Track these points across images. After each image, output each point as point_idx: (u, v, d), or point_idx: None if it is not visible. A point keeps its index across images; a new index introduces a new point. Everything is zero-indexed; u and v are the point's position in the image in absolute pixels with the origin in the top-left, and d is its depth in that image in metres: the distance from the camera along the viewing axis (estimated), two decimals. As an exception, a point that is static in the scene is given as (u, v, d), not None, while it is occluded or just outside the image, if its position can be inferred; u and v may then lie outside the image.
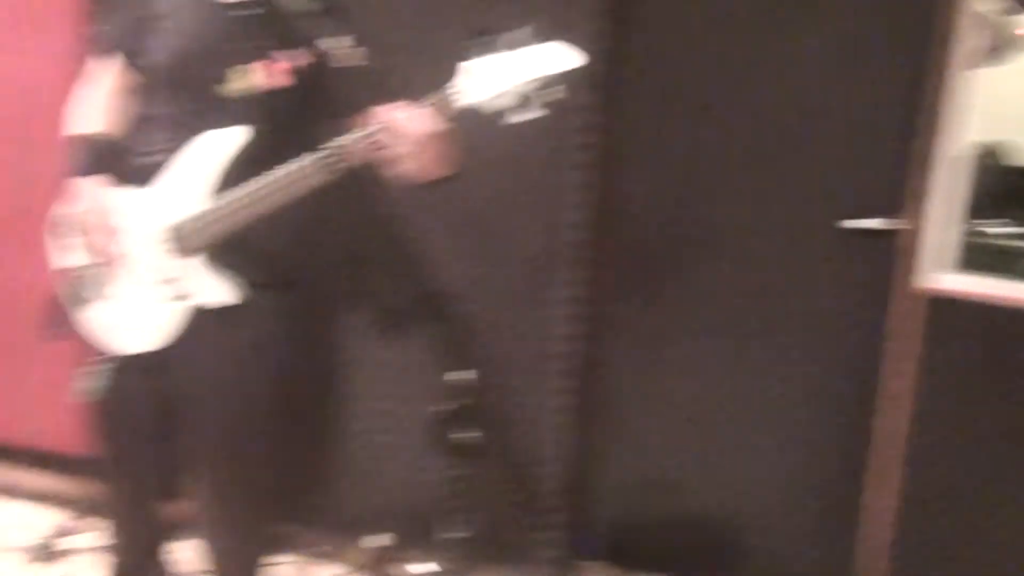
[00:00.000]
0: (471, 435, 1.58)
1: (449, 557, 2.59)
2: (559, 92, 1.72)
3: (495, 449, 1.60)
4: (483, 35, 1.77)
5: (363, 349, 2.80)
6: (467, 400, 1.62)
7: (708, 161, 2.68)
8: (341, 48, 1.58)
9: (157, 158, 2.11)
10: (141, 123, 2.17)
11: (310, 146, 1.94)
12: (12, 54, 2.75)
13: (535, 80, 1.72)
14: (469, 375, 1.63)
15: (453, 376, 1.61)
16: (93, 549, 2.77)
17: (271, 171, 1.97)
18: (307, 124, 2.04)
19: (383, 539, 2.70)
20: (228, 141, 2.02)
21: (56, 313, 2.26)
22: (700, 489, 2.77)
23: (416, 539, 2.81)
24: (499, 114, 1.76)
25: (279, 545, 2.77)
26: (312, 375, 2.79)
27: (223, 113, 2.02)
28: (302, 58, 1.98)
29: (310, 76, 1.99)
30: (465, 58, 1.78)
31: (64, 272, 2.23)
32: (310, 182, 1.95)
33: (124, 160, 2.17)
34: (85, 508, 2.97)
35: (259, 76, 1.96)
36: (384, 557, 2.70)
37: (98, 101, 2.24)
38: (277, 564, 2.53)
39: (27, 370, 2.89)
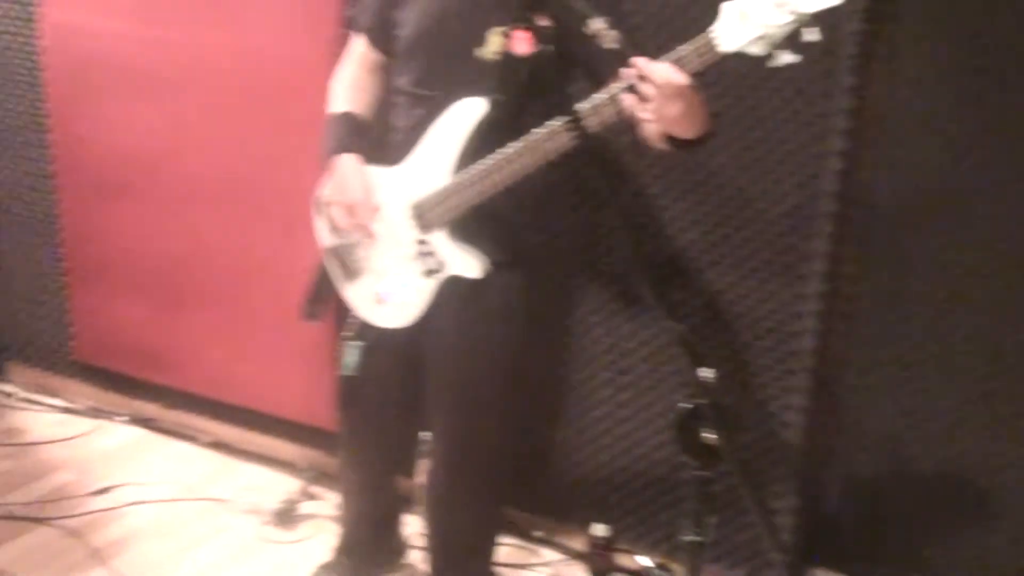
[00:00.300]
0: (713, 435, 1.53)
1: (679, 558, 2.53)
2: (815, 33, 1.62)
3: (731, 448, 1.53)
4: None
5: (600, 332, 2.74)
6: (710, 398, 1.56)
7: (978, 134, 2.38)
8: (594, 28, 1.51)
9: (409, 135, 2.12)
10: (394, 100, 2.19)
11: (556, 114, 1.90)
12: (273, 33, 2.76)
13: (791, 19, 1.62)
14: (711, 372, 1.57)
15: (700, 373, 1.55)
16: (330, 517, 2.88)
17: (516, 140, 1.94)
18: (555, 92, 1.95)
19: (602, 528, 2.69)
20: (475, 111, 2.01)
21: (317, 292, 2.32)
22: (946, 492, 2.56)
23: (635, 532, 2.79)
24: (756, 59, 1.68)
25: (507, 527, 2.78)
26: (546, 355, 2.75)
27: (475, 80, 1.99)
28: (552, 25, 1.88)
29: (560, 43, 1.86)
30: None
31: (325, 250, 2.27)
32: (555, 146, 1.90)
33: (377, 138, 2.20)
34: (323, 478, 3.08)
35: (513, 40, 1.93)
36: (602, 546, 2.68)
37: (350, 80, 2.26)
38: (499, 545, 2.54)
39: (283, 343, 2.98)
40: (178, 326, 3.17)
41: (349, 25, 2.39)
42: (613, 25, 1.57)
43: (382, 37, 2.21)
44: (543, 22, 1.79)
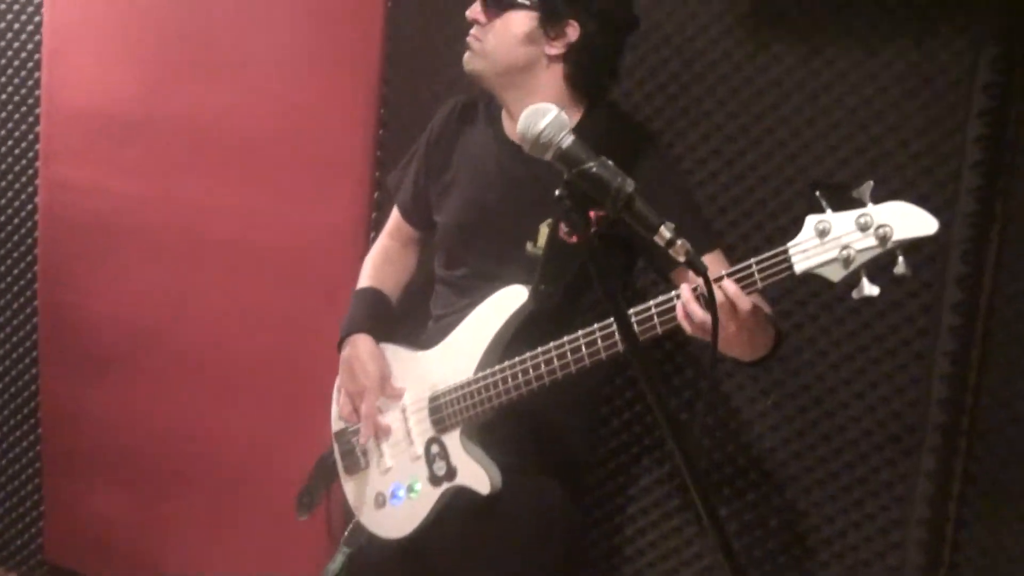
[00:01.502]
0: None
1: None
2: (903, 267, 1.42)
3: None
4: (819, 189, 1.51)
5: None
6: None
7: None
8: (665, 238, 1.29)
9: (442, 321, 2.00)
10: (435, 286, 2.09)
11: (599, 313, 1.73)
12: (293, 197, 2.60)
13: (875, 246, 1.45)
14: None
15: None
16: None
17: (557, 339, 1.76)
18: (605, 287, 1.82)
19: None
20: (515, 300, 1.86)
21: (313, 485, 2.18)
22: None
23: None
24: (834, 285, 1.50)
25: None
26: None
27: (520, 271, 1.87)
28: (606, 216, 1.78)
29: (614, 236, 1.77)
30: (814, 210, 1.50)
31: (333, 435, 2.12)
32: (599, 354, 1.71)
33: (409, 320, 2.11)
34: None
35: (563, 231, 1.79)
36: None
37: (381, 252, 2.21)
38: None
39: (278, 541, 2.68)
40: (162, 520, 2.88)
41: (387, 195, 2.30)
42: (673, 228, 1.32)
43: (416, 214, 2.15)
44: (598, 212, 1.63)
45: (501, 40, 1.86)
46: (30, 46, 2.89)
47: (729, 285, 1.54)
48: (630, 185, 1.26)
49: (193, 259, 2.73)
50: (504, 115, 1.97)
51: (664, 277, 1.92)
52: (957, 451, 2.09)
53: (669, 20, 2.20)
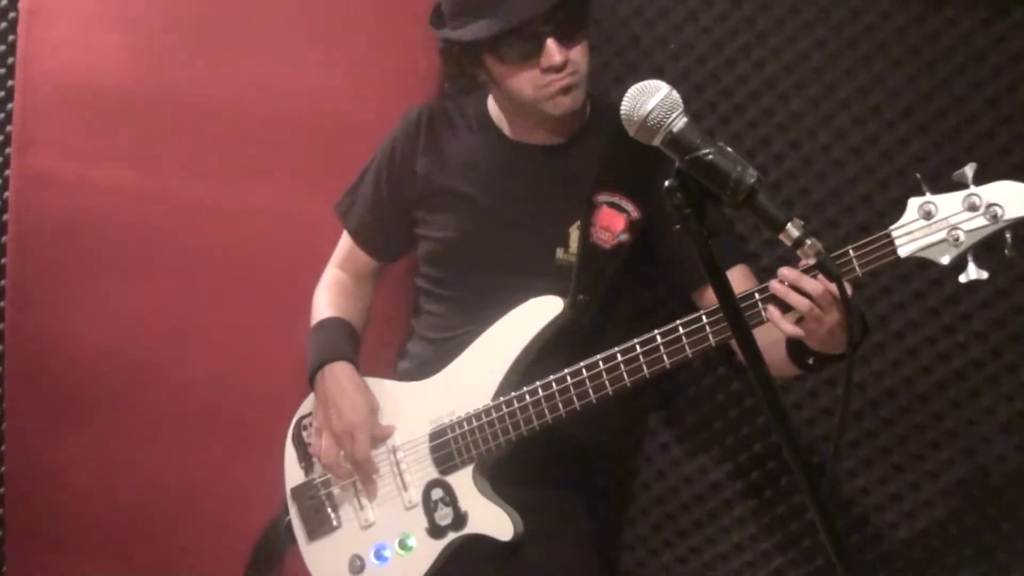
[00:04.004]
0: None
1: None
2: (1011, 248, 1.50)
3: None
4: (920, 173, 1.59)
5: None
6: None
7: None
8: (793, 235, 1.21)
9: (443, 345, 1.95)
10: (424, 305, 2.06)
11: (637, 324, 1.79)
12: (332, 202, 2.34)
13: (988, 224, 1.51)
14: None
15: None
16: None
17: (584, 356, 1.78)
18: (636, 296, 1.97)
19: None
20: (548, 312, 1.84)
21: (263, 552, 2.10)
22: None
23: None
24: (938, 268, 1.56)
25: None
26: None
27: (546, 282, 1.86)
28: (637, 212, 1.85)
29: (648, 236, 1.86)
30: (914, 193, 1.56)
31: (291, 491, 2.05)
32: (641, 372, 1.74)
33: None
34: None
35: (599, 231, 1.85)
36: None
37: (336, 286, 2.16)
38: None
39: None
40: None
41: (341, 218, 2.21)
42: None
43: (378, 238, 2.12)
44: (631, 209, 1.81)
45: (588, 63, 1.86)
46: (3, 3, 2.60)
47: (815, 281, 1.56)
48: (751, 175, 1.19)
49: (197, 272, 2.54)
50: (503, 117, 1.96)
51: (686, 294, 1.91)
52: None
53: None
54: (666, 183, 1.23)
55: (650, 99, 1.21)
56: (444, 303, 2.02)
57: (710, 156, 1.19)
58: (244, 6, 2.44)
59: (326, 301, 2.13)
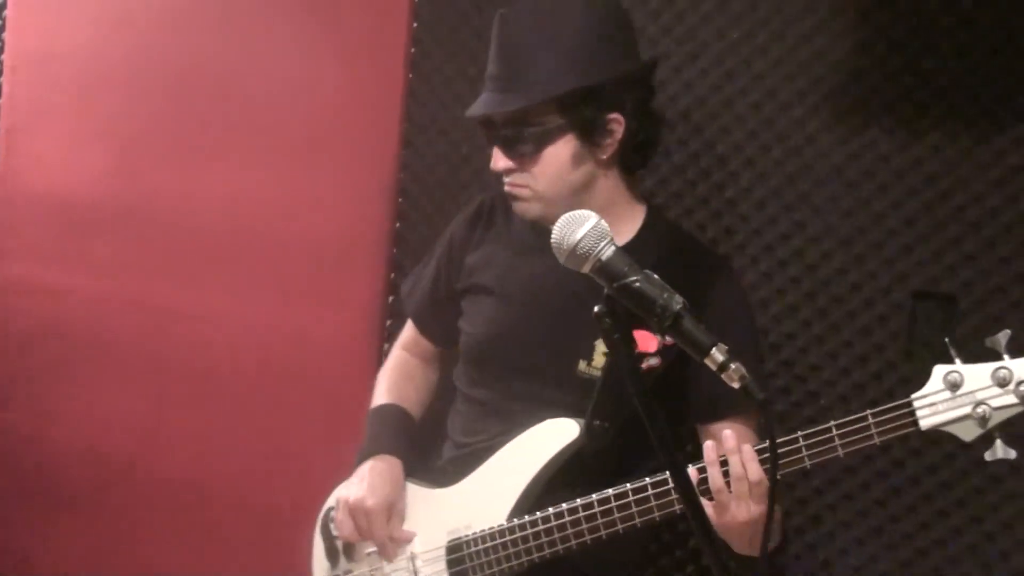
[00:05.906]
0: None
1: None
2: None
3: None
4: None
5: None
6: None
7: None
8: (718, 360, 1.20)
9: (469, 452, 1.89)
10: (457, 406, 2.00)
11: (649, 458, 1.69)
12: (297, 302, 2.45)
13: (1016, 403, 1.43)
14: None
15: None
16: None
17: (611, 484, 1.70)
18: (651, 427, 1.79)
19: None
20: (564, 436, 1.77)
21: None
22: None
23: None
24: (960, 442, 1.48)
25: None
26: None
27: (566, 394, 1.80)
28: (662, 342, 1.73)
29: (679, 365, 1.74)
30: (942, 359, 1.49)
31: None
32: (651, 514, 1.65)
33: (423, 446, 1.99)
34: None
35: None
36: None
37: (398, 367, 2.11)
38: None
39: None
40: None
41: (401, 304, 2.20)
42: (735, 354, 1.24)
43: (434, 326, 2.07)
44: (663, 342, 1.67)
45: (551, 177, 1.78)
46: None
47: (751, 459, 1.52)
48: (677, 302, 1.19)
49: (173, 377, 2.53)
50: None
51: (702, 426, 1.82)
52: None
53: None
54: (595, 308, 1.23)
55: (579, 228, 1.22)
56: (471, 404, 1.96)
57: (637, 284, 1.20)
58: (217, 122, 2.43)
59: (386, 385, 2.07)
